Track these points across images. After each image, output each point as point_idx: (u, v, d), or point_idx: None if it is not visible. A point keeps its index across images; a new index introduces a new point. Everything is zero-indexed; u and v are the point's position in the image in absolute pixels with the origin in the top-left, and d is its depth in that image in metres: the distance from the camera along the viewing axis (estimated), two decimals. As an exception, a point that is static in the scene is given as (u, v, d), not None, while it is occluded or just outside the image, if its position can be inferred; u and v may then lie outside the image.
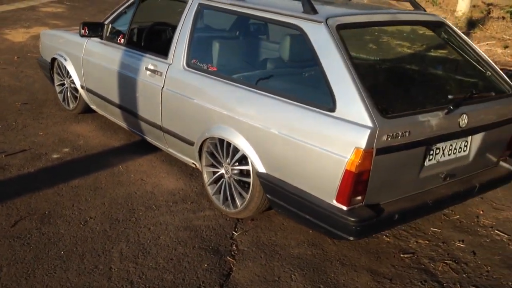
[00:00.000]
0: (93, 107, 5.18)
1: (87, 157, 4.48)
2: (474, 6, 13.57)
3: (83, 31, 4.65)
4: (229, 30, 4.14)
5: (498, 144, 3.63)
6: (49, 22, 10.75)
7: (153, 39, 4.81)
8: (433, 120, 3.00)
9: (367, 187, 2.87)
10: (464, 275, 3.16)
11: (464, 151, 3.38)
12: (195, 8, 3.90)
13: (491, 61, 3.65)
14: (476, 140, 3.39)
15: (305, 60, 3.35)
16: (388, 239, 3.51)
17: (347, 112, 2.83)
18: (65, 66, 5.23)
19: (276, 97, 3.19)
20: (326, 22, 3.05)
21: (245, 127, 3.32)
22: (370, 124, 2.73)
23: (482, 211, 3.99)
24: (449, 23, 3.73)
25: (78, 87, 5.14)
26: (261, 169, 3.26)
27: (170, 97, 3.90)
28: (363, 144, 2.72)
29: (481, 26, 12.15)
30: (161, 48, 4.17)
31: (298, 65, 3.53)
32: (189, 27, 3.87)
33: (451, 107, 3.05)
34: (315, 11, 3.15)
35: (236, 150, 3.43)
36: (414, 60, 4.21)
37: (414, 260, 3.29)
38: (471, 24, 12.35)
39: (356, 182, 2.80)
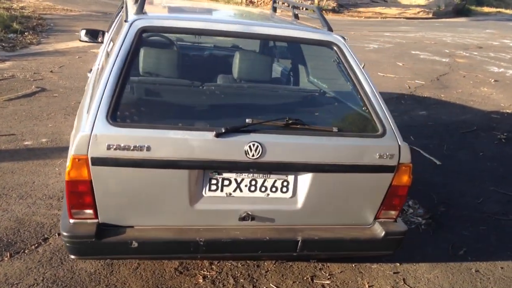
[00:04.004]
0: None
1: (49, 149, 4.77)
2: None
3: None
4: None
5: (363, 196, 2.83)
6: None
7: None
8: (195, 141, 2.50)
9: (94, 201, 2.53)
10: None
11: (283, 192, 2.73)
12: None
13: (377, 96, 2.85)
14: (305, 182, 2.71)
15: None
16: (202, 280, 3.00)
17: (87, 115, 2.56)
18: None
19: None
20: (132, 24, 2.80)
21: None
22: (86, 129, 2.43)
23: (368, 283, 3.12)
24: (344, 46, 3.01)
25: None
26: None
27: None
28: (72, 150, 2.43)
29: None
30: None
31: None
32: None
33: (223, 130, 2.51)
34: (139, 12, 2.92)
35: None
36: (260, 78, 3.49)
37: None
38: None
39: (72, 192, 2.50)
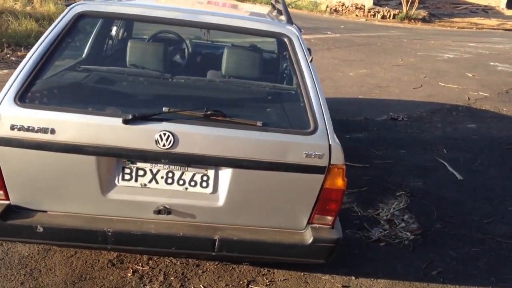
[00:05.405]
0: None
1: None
2: None
3: None
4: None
5: (292, 198, 2.62)
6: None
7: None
8: (101, 127, 2.43)
9: (3, 181, 2.52)
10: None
11: (203, 187, 2.58)
12: None
13: (317, 92, 2.62)
14: (226, 178, 2.55)
15: None
16: (130, 274, 2.92)
17: None
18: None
19: None
20: (71, 8, 2.79)
21: None
22: None
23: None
24: (297, 38, 2.79)
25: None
26: None
27: None
28: None
29: None
30: None
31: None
32: None
33: (130, 117, 2.42)
34: None
35: None
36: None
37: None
38: None
39: None
